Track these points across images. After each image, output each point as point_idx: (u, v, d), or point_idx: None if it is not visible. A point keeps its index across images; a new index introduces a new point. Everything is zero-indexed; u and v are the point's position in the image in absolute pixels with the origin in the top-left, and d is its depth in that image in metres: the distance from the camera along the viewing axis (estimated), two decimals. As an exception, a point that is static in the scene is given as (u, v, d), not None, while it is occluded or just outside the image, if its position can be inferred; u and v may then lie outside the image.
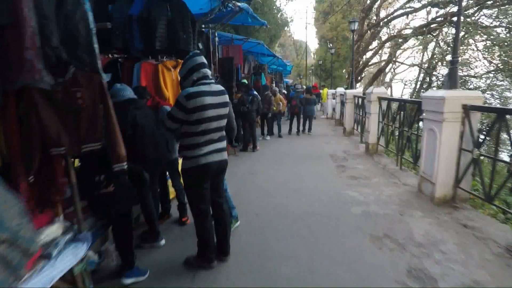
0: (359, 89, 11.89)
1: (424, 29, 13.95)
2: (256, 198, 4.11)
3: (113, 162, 1.79)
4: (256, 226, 3.32)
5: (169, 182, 3.60)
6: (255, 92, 7.84)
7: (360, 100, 7.96)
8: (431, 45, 20.03)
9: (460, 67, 19.30)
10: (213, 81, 2.34)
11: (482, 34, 13.63)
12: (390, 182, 4.55)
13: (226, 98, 2.38)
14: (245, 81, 8.44)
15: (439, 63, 20.30)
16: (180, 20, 3.30)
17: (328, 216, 3.46)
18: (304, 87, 12.06)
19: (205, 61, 2.32)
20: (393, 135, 5.54)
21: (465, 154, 3.31)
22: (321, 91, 15.81)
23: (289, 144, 8.12)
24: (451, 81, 3.35)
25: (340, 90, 11.44)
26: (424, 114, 3.75)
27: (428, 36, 16.93)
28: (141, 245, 3.03)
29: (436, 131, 3.41)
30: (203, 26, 6.60)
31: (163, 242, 3.03)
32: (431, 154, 3.54)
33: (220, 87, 2.37)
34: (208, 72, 2.32)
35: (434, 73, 21.00)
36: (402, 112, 4.99)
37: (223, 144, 2.44)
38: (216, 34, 6.83)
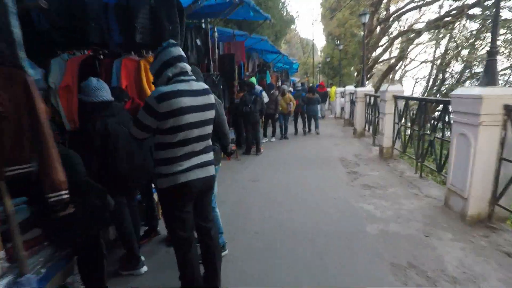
0: (368, 87, 11.26)
1: (440, 22, 13.16)
2: (257, 212, 3.61)
3: (46, 190, 1.31)
4: (255, 248, 2.82)
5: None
6: (262, 90, 7.35)
7: (372, 99, 7.38)
8: (444, 41, 19.22)
9: (476, 63, 18.50)
10: (193, 77, 1.85)
11: (502, 27, 12.80)
12: (410, 193, 4.00)
13: (210, 98, 1.89)
14: (253, 79, 7.95)
15: (453, 59, 19.48)
16: (165, 8, 2.82)
17: (339, 237, 2.94)
18: (300, 86, 11.48)
19: (182, 53, 1.83)
20: (411, 139, 4.97)
21: (506, 165, 2.75)
22: (328, 89, 15.19)
23: (295, 146, 7.59)
24: (489, 76, 2.78)
25: (350, 88, 10.85)
26: (453, 115, 3.20)
27: (442, 30, 16.15)
28: (120, 272, 2.58)
29: (469, 137, 2.86)
30: (202, 21, 6.12)
31: (144, 269, 2.57)
32: (463, 164, 2.99)
33: (203, 85, 1.88)
34: (188, 67, 1.83)
35: (447, 70, 20.16)
36: (423, 113, 4.42)
37: (209, 156, 1.95)
38: (216, 29, 6.35)
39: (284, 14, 17.38)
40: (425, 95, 21.08)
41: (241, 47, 7.63)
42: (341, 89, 13.38)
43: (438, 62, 20.64)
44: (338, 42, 16.74)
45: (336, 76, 30.78)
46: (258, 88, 7.38)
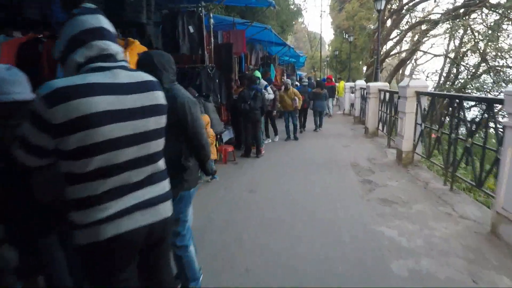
0: (360, 82, 10.40)
1: (459, 11, 12.13)
2: (250, 238, 2.90)
3: None
4: (243, 296, 2.13)
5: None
6: (267, 86, 6.59)
7: (387, 95, 6.59)
8: (459, 32, 18.09)
9: (493, 56, 17.38)
10: (123, 64, 1.12)
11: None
12: (441, 212, 3.25)
13: (155, 96, 1.17)
14: (257, 73, 7.19)
15: (470, 52, 18.36)
16: (124, -27, 2.10)
17: (357, 281, 2.22)
18: (306, 81, 10.66)
19: (106, 24, 1.10)
20: (439, 144, 4.19)
21: None
22: (337, 84, 14.34)
23: (300, 147, 6.83)
24: None
25: (360, 83, 10.01)
26: (506, 119, 2.43)
27: (457, 21, 15.09)
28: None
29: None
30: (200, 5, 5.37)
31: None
32: (523, 184, 2.23)
33: (142, 76, 1.15)
34: (113, 47, 1.10)
35: (462, 63, 19.06)
36: (457, 113, 3.64)
37: (159, 188, 1.23)
38: (211, 16, 5.60)
39: (291, 4, 16.50)
40: (437, 90, 20.02)
41: (241, 36, 6.88)
42: (351, 84, 12.51)
43: (452, 55, 19.57)
44: (347, 35, 15.73)
45: (344, 70, 29.81)
46: (263, 83, 6.64)
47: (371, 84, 7.09)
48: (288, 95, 7.08)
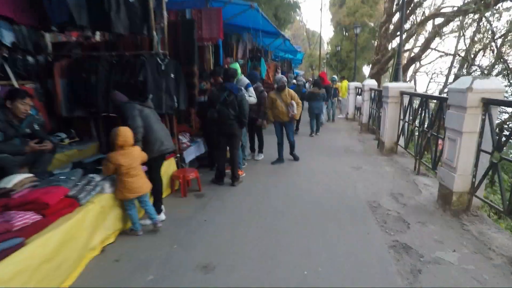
0: (370, 81, 8.64)
1: (480, 3, 10.39)
2: None
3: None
4: None
5: None
6: (249, 85, 4.78)
7: (414, 100, 4.82)
8: (471, 29, 16.43)
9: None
10: None
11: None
12: None
13: None
14: (235, 65, 5.35)
15: (484, 50, 16.67)
16: None
17: None
18: (301, 80, 8.92)
19: None
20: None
21: None
22: (339, 83, 12.53)
23: (294, 170, 4.99)
24: None
25: (370, 83, 8.24)
26: None
27: (472, 15, 13.37)
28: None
29: None
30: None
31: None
32: None
33: None
34: None
35: (474, 63, 17.36)
36: None
37: None
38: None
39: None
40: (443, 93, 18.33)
41: (217, 16, 5.05)
42: (356, 83, 10.74)
43: (463, 54, 17.85)
44: (354, 26, 13.89)
45: (344, 70, 28.02)
46: (244, 81, 4.84)
47: (390, 85, 5.28)
48: (282, 98, 5.00)
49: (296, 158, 5.39)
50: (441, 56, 20.12)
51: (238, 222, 3.17)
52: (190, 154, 4.54)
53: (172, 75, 3.77)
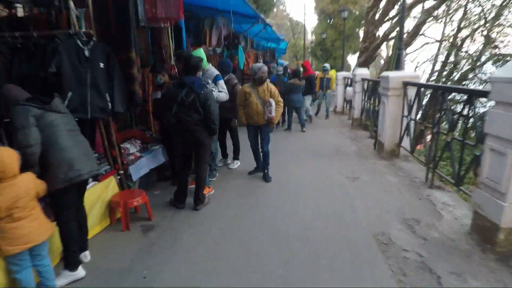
0: (361, 71, 7.73)
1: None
2: None
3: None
4: None
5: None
6: (218, 77, 3.73)
7: (421, 92, 3.91)
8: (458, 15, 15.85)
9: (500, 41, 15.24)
10: None
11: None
12: None
13: None
14: (200, 52, 4.07)
15: (472, 36, 16.13)
16: None
17: None
18: (281, 70, 7.72)
19: None
20: None
21: None
22: (331, 73, 11.50)
23: (274, 180, 4.00)
24: None
25: (362, 72, 7.33)
26: None
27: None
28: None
29: None
30: None
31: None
32: None
33: None
34: None
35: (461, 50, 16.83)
36: None
37: None
38: None
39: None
40: (432, 81, 17.77)
41: (174, -10, 3.91)
42: (344, 73, 9.82)
43: (450, 40, 17.28)
44: (342, 9, 12.87)
45: (329, 59, 27.15)
46: (212, 72, 3.77)
47: (392, 74, 4.32)
48: (259, 93, 3.78)
49: (267, 179, 3.96)
50: (426, 43, 19.57)
51: (191, 276, 2.17)
52: (141, 168, 3.46)
53: (102, 65, 2.66)
